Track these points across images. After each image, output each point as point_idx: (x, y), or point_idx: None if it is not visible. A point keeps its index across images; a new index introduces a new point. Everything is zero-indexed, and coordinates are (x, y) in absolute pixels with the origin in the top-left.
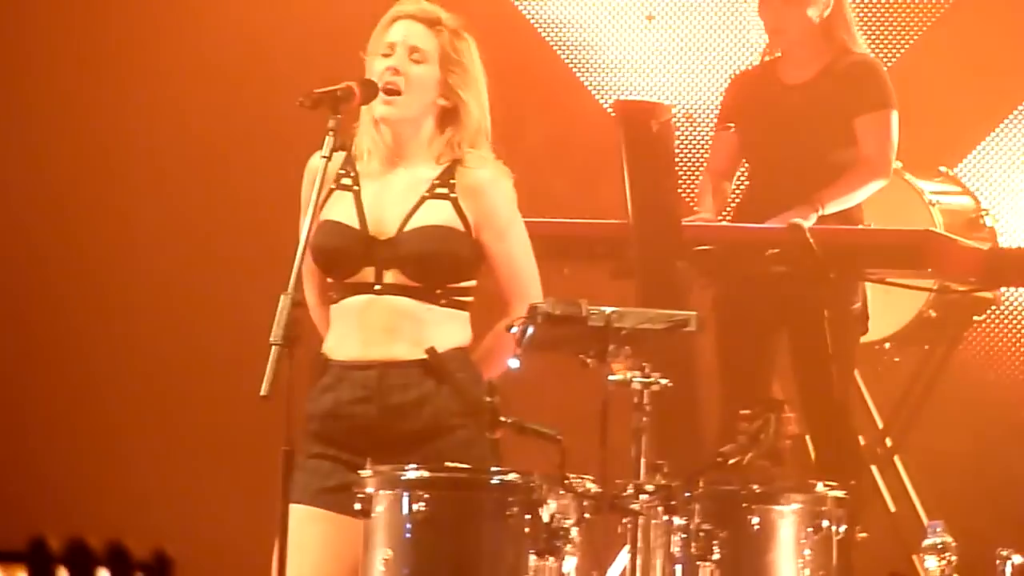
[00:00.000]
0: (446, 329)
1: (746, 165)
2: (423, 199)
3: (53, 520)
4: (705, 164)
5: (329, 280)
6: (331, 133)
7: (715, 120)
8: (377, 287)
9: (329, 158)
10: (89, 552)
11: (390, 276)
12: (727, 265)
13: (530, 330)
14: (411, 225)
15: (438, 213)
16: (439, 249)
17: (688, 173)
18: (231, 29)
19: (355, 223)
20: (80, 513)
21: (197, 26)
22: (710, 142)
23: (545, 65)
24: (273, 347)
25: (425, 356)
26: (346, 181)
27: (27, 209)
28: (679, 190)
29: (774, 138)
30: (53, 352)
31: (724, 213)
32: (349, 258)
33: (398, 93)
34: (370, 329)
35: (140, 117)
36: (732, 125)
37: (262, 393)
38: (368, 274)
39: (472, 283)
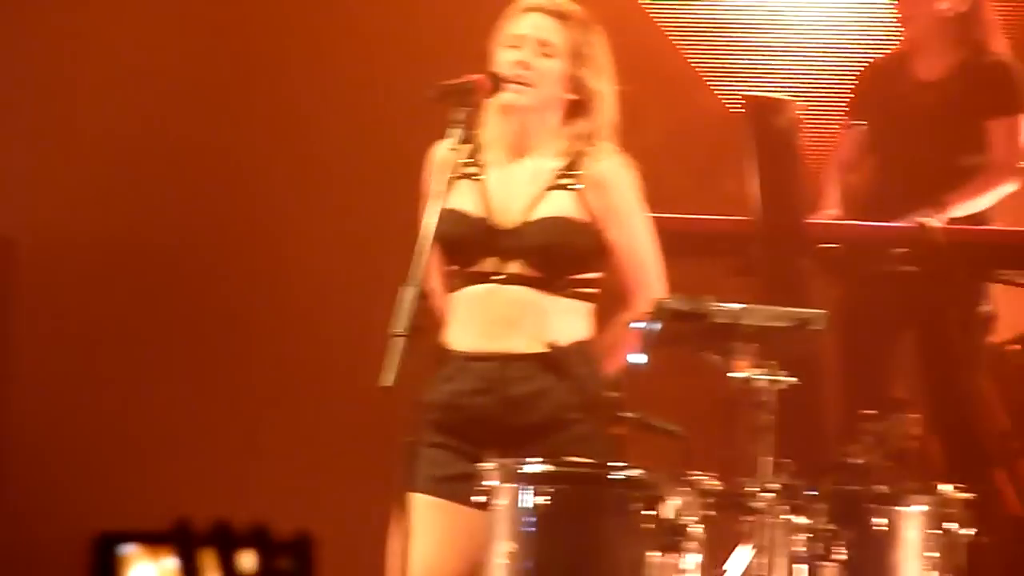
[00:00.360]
0: (568, 321)
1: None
2: (547, 189)
3: (197, 504)
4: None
5: (451, 268)
6: (457, 125)
7: (842, 114)
8: (500, 277)
9: (456, 149)
10: (233, 534)
11: (512, 266)
12: (852, 263)
13: (654, 326)
14: (534, 215)
15: (562, 204)
16: (561, 240)
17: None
18: (360, 23)
19: (479, 212)
20: (222, 497)
21: (327, 23)
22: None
23: (666, 59)
24: (396, 338)
25: (546, 349)
26: (471, 170)
27: (156, 205)
28: (805, 186)
29: (904, 135)
30: (196, 344)
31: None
32: (473, 247)
33: (527, 85)
34: (491, 320)
35: (261, 110)
36: (864, 122)
37: (385, 383)
38: (490, 263)
39: (596, 275)
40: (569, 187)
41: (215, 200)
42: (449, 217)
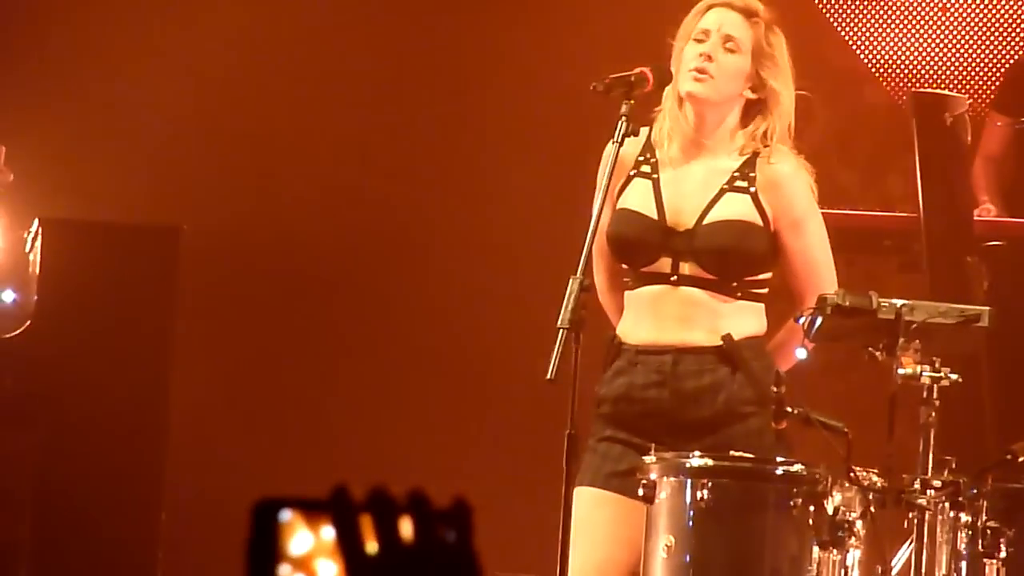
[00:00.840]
0: (741, 319)
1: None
2: (722, 191)
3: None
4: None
5: (624, 267)
6: (623, 118)
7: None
8: (673, 278)
9: (620, 143)
10: (392, 500)
11: (687, 267)
12: (1018, 261)
13: (819, 320)
14: (710, 218)
15: (737, 206)
16: (737, 244)
17: None
18: (521, 24)
19: (653, 213)
20: (381, 468)
21: (494, 14)
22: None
23: (835, 54)
24: (560, 331)
25: (720, 343)
26: (645, 168)
27: (320, 197)
28: (970, 184)
29: None
30: (362, 322)
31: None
32: (647, 248)
33: (710, 76)
34: (665, 317)
35: (426, 105)
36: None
37: (548, 377)
38: (665, 264)
39: (768, 276)
40: (745, 189)
41: (391, 182)
42: (623, 217)
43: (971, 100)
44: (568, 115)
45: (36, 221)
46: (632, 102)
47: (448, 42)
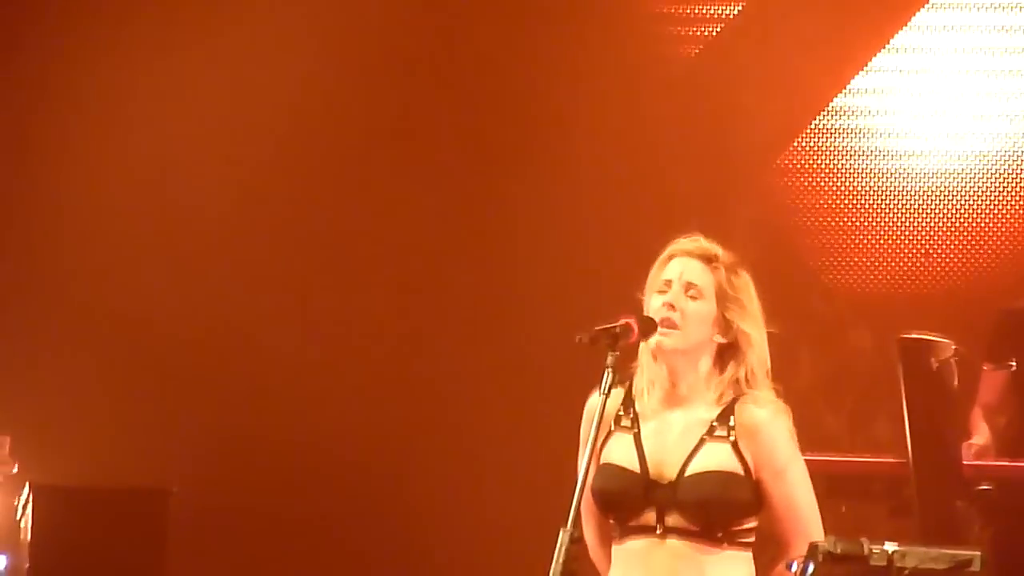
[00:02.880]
0: (729, 570)
1: None
2: (703, 441)
3: None
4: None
5: (611, 521)
6: (609, 370)
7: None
8: (659, 531)
9: (607, 395)
10: None
11: (671, 519)
12: (1008, 504)
13: (810, 568)
14: (691, 470)
15: (717, 456)
16: (720, 495)
17: None
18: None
19: (635, 467)
20: None
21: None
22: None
23: (819, 300)
24: None
25: None
26: (625, 423)
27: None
28: (959, 428)
29: None
30: None
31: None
32: (631, 501)
33: (675, 328)
34: (653, 573)
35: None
36: (1014, 363)
37: None
38: (650, 517)
39: (754, 523)
40: (724, 438)
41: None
42: (607, 472)
43: (956, 346)
44: (555, 368)
45: (27, 487)
46: (618, 353)
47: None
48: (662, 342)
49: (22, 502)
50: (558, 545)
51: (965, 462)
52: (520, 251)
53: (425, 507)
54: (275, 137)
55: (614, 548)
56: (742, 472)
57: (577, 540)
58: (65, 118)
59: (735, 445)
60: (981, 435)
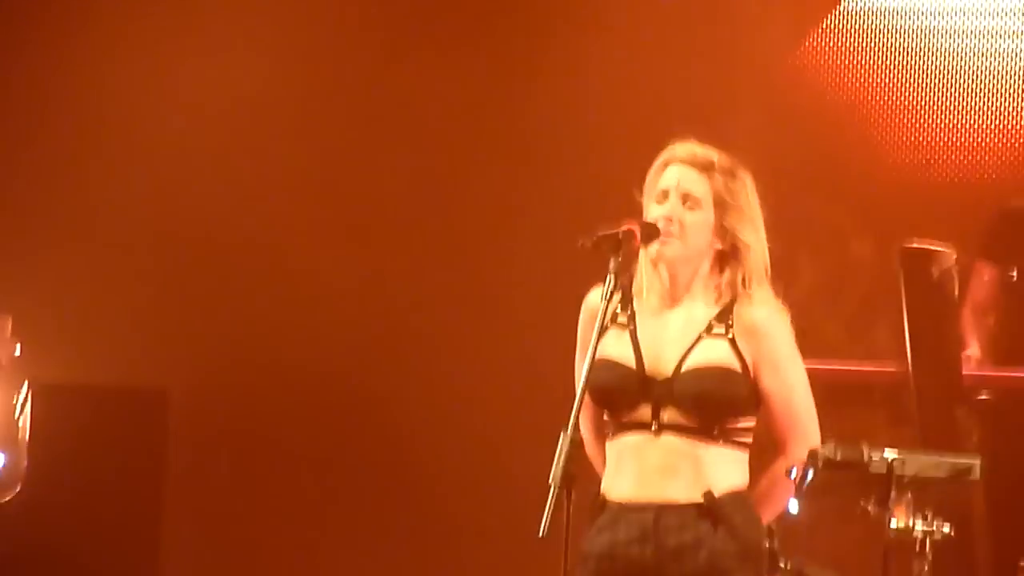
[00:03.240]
0: (723, 470)
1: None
2: (700, 338)
3: None
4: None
5: (606, 417)
6: (612, 274)
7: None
8: (654, 426)
9: (610, 299)
10: None
11: (667, 415)
12: (1007, 413)
13: (810, 474)
14: (688, 365)
15: (715, 352)
16: (716, 389)
17: None
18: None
19: (632, 362)
20: None
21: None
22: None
23: (820, 207)
24: (552, 487)
25: (701, 499)
26: (622, 319)
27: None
28: (958, 337)
29: None
30: (349, 484)
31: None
32: (626, 396)
33: (674, 239)
34: (647, 469)
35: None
36: (1014, 273)
37: (540, 534)
38: (645, 413)
39: (751, 423)
40: (722, 335)
41: (374, 343)
42: (603, 367)
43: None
44: (556, 269)
45: (25, 385)
46: (620, 258)
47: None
48: (662, 251)
49: (20, 400)
50: (558, 448)
51: (964, 372)
52: (522, 158)
53: (420, 415)
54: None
55: (608, 444)
56: (739, 369)
57: (578, 443)
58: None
59: (733, 342)
60: (975, 347)
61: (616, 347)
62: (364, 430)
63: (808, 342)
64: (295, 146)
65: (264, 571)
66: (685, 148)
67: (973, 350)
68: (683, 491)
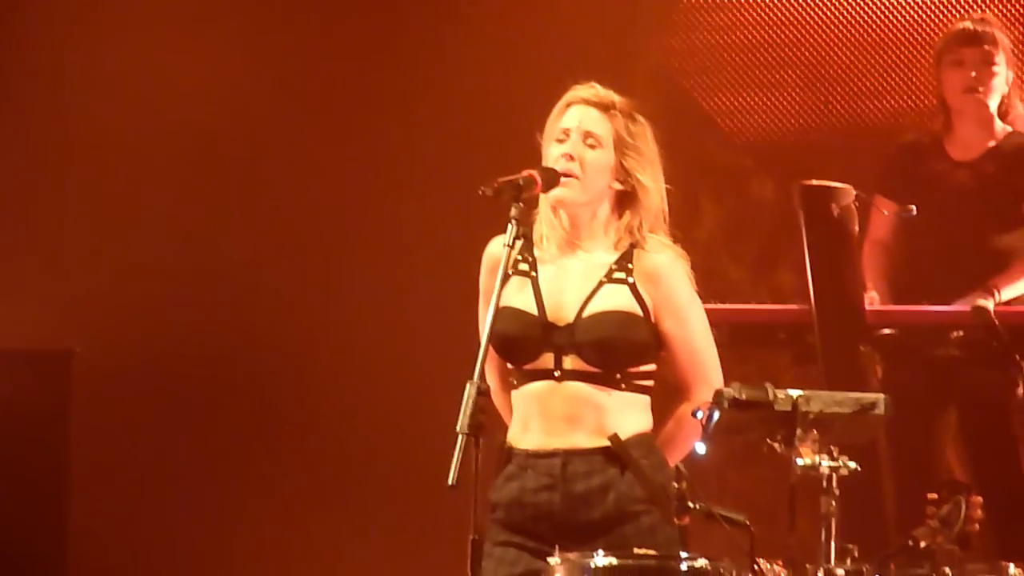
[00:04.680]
0: (628, 415)
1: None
2: (601, 284)
3: None
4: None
5: (509, 366)
6: (513, 221)
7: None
8: (557, 373)
9: (512, 246)
10: None
11: (569, 361)
12: (909, 348)
13: (716, 415)
14: (589, 310)
15: (616, 298)
16: (617, 334)
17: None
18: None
19: (533, 309)
20: None
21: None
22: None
23: (719, 149)
24: (459, 436)
25: (607, 443)
26: (523, 267)
27: (208, 316)
28: (860, 274)
29: (940, 214)
30: (258, 442)
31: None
32: (529, 344)
33: (574, 178)
34: (552, 417)
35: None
36: (913, 208)
37: (449, 483)
38: (548, 360)
39: (652, 368)
40: (623, 280)
41: (281, 300)
42: (504, 315)
43: (857, 192)
44: (456, 218)
45: None
46: (522, 205)
47: (335, 140)
48: (561, 195)
49: None
50: (465, 397)
51: (867, 308)
52: (421, 108)
53: (322, 368)
54: None
55: (513, 394)
56: (640, 313)
57: (484, 392)
58: None
59: (633, 287)
60: (875, 284)
61: (518, 296)
62: (271, 386)
63: (712, 284)
64: (193, 105)
65: (171, 531)
66: (587, 89)
67: (872, 294)
68: (588, 437)
